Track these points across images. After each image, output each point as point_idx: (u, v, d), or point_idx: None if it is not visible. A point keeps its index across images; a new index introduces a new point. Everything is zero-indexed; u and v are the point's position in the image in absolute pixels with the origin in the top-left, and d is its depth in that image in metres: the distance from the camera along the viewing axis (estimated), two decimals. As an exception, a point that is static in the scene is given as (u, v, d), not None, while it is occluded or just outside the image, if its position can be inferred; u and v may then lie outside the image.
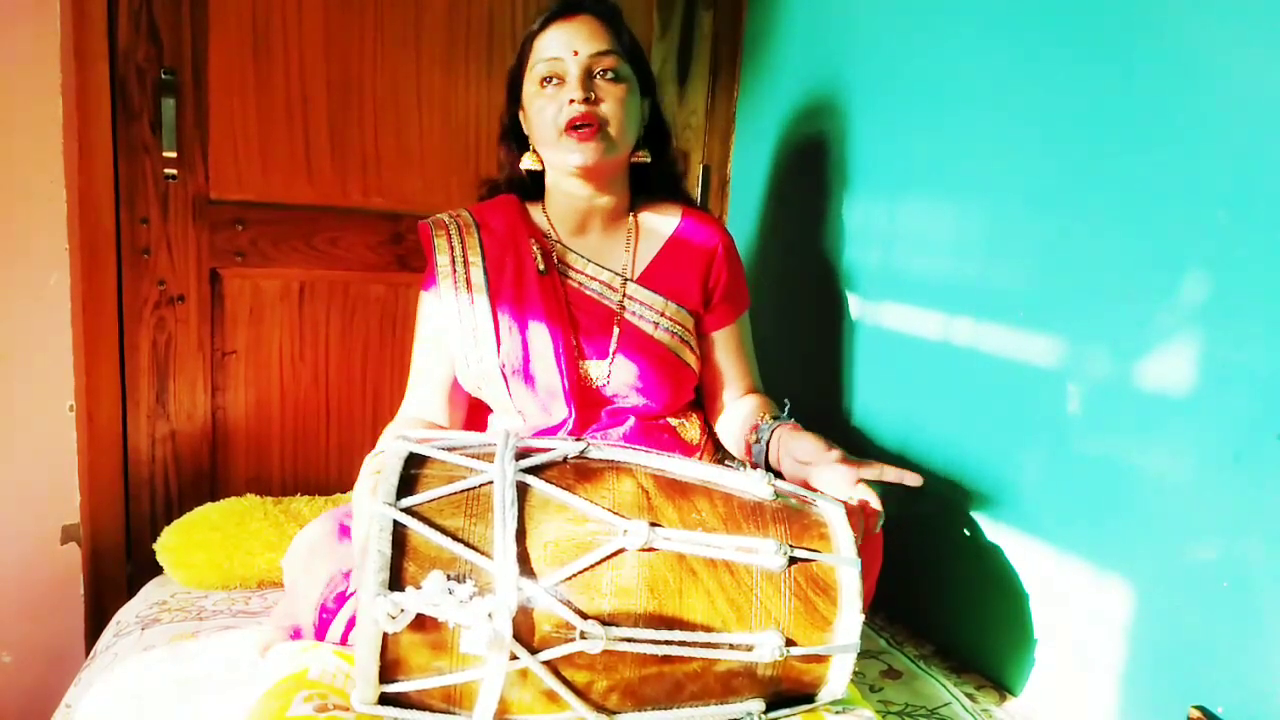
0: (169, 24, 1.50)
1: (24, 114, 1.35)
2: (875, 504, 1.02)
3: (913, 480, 1.06)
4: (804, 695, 0.91)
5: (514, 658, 0.80)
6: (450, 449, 0.92)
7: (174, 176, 1.54)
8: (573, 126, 1.19)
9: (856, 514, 0.99)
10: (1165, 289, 0.99)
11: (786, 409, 1.25)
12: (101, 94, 1.47)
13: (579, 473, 0.91)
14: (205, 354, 1.62)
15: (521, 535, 0.84)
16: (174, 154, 1.52)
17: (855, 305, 1.53)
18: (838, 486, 1.04)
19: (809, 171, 1.67)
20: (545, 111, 1.21)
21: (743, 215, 1.88)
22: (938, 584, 1.36)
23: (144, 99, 1.50)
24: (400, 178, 1.71)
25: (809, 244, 1.66)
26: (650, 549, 0.85)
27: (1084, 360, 1.10)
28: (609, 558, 0.84)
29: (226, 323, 1.63)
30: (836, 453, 1.09)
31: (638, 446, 1.00)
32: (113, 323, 1.54)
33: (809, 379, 1.65)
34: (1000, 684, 1.23)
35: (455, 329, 1.25)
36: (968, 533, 1.28)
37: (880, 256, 1.48)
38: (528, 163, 1.30)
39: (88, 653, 1.39)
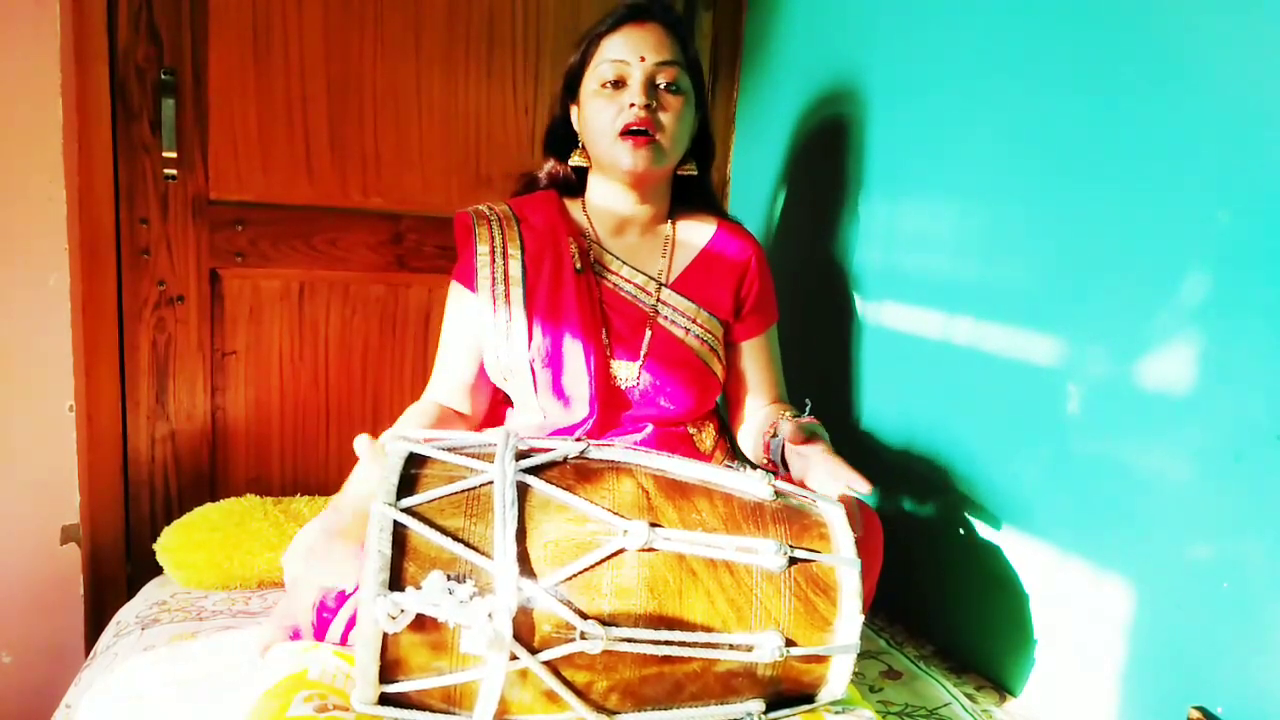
0: (169, 24, 1.50)
1: (24, 114, 1.36)
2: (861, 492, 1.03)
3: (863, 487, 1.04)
4: (804, 695, 0.91)
5: (514, 658, 0.80)
6: (450, 449, 0.92)
7: (174, 176, 1.54)
8: (629, 131, 1.20)
9: (853, 509, 1.00)
10: (1165, 289, 0.99)
11: (808, 409, 1.25)
12: (101, 94, 1.47)
13: (579, 473, 0.91)
14: (205, 354, 1.62)
15: (521, 535, 0.84)
16: (174, 154, 1.52)
17: (856, 305, 1.53)
18: (829, 484, 1.05)
19: (809, 172, 1.67)
20: (604, 112, 1.22)
21: (743, 215, 1.87)
22: (938, 584, 1.36)
23: (144, 99, 1.50)
24: (400, 178, 1.71)
25: (809, 244, 1.66)
26: (650, 549, 0.85)
27: (1084, 360, 1.10)
28: (609, 558, 0.84)
29: (226, 323, 1.63)
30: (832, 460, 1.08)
31: (638, 447, 1.00)
32: (113, 323, 1.54)
33: (809, 379, 1.65)
34: (1000, 684, 1.23)
35: (489, 320, 1.25)
36: (967, 533, 1.28)
37: (881, 256, 1.48)
38: (575, 159, 1.32)
39: (88, 653, 1.39)
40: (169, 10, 1.50)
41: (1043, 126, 1.16)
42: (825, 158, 1.60)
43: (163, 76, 1.50)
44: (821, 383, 1.61)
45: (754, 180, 1.85)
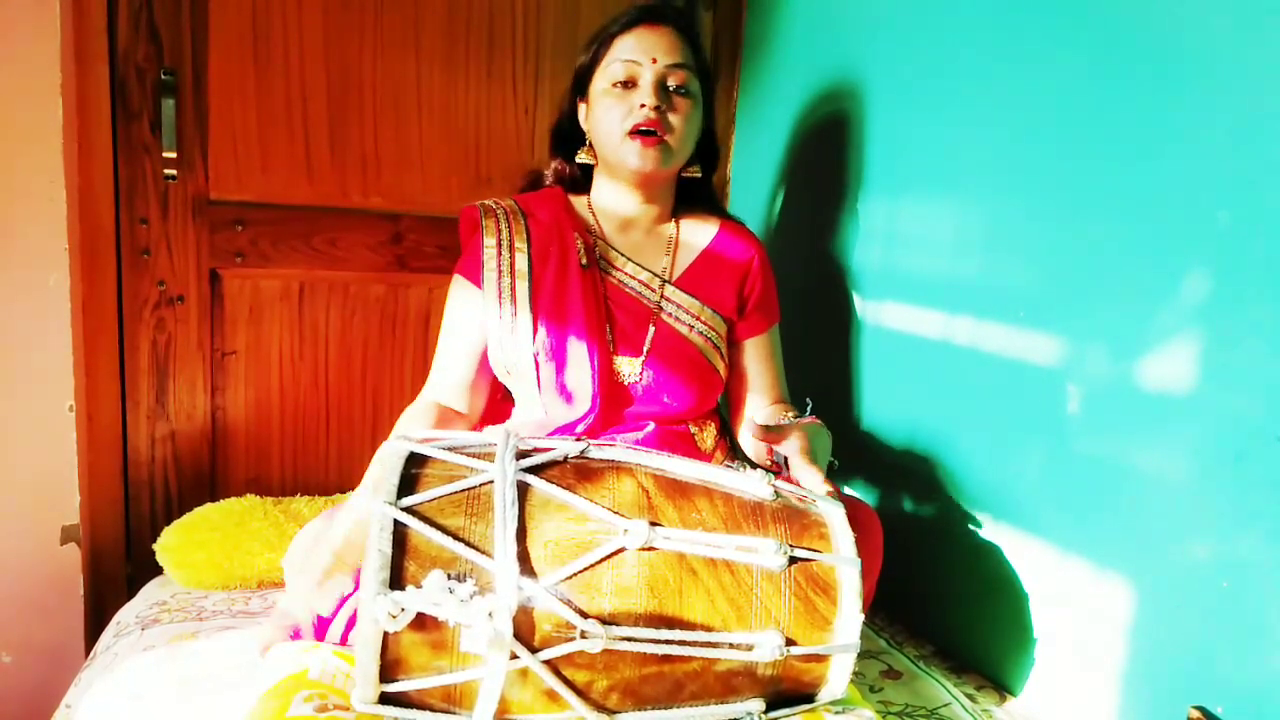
0: (169, 24, 1.50)
1: (24, 114, 1.35)
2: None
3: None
4: (804, 695, 0.91)
5: (514, 657, 0.80)
6: (451, 448, 0.92)
7: (174, 176, 1.54)
8: (638, 131, 1.22)
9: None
10: (1165, 289, 0.99)
11: (808, 408, 1.24)
12: (101, 94, 1.47)
13: (579, 472, 0.91)
14: (205, 354, 1.62)
15: (522, 534, 0.84)
16: (174, 154, 1.52)
17: (856, 305, 1.54)
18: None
19: (809, 171, 1.67)
20: (613, 111, 1.24)
21: (743, 215, 1.86)
22: (938, 584, 1.36)
23: (144, 99, 1.50)
24: (400, 178, 1.71)
25: (809, 244, 1.66)
26: (650, 548, 0.85)
27: (1084, 360, 1.10)
28: (609, 557, 0.84)
29: (226, 323, 1.63)
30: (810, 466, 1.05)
31: (639, 447, 1.00)
32: (113, 323, 1.54)
33: (809, 379, 1.65)
34: (1000, 684, 1.23)
35: (493, 314, 1.26)
36: (967, 533, 1.28)
37: (880, 256, 1.48)
38: (582, 156, 1.34)
39: (88, 653, 1.38)
40: (169, 10, 1.50)
41: (1043, 126, 1.16)
42: (825, 157, 1.60)
43: (163, 76, 1.50)
44: (822, 382, 1.61)
45: (754, 180, 1.85)
